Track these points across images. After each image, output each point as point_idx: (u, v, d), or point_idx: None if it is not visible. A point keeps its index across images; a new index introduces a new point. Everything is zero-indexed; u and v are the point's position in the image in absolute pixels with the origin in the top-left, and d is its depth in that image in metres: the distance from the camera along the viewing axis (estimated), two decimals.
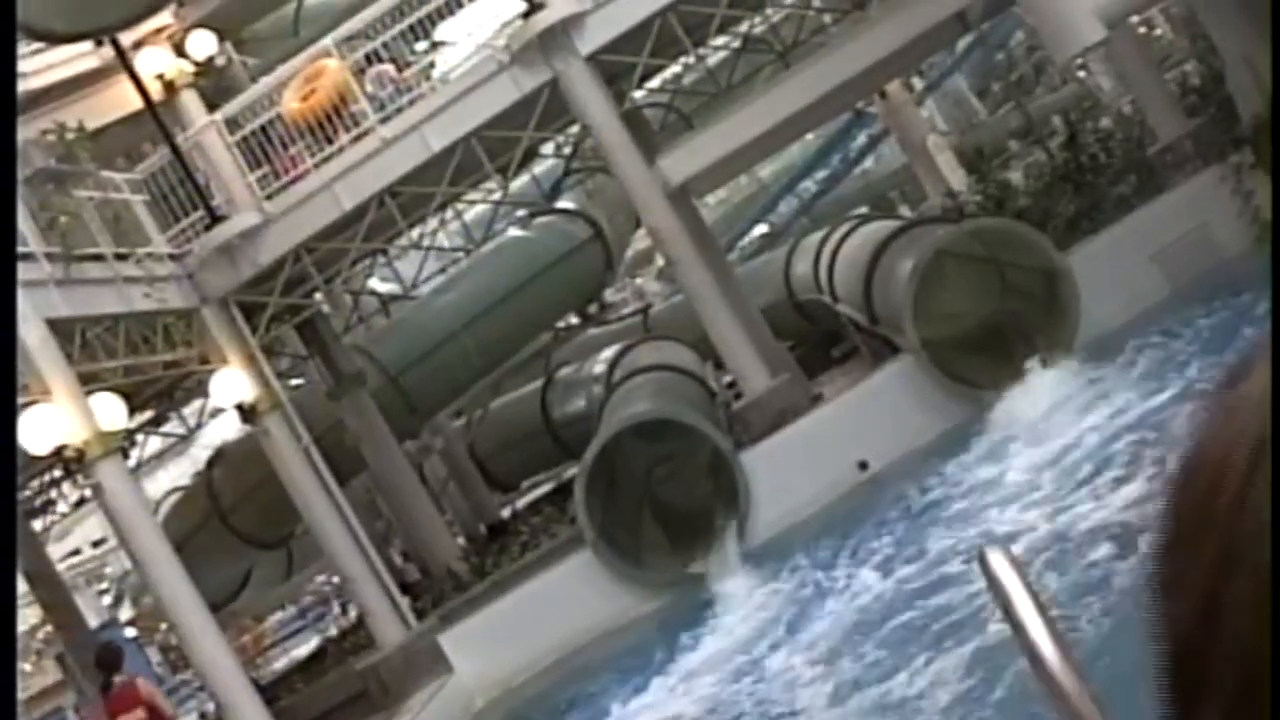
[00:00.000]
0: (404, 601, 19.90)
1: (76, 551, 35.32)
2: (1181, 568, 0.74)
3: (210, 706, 20.85)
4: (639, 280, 43.15)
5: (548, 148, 23.63)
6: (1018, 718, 9.28)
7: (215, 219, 19.56)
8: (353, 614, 27.38)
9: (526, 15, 18.79)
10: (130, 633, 25.70)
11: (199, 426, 24.54)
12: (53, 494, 22.98)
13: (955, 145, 32.23)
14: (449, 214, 23.96)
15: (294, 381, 25.47)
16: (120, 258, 17.89)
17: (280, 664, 32.08)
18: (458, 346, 24.95)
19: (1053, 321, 17.88)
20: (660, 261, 36.59)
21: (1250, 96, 16.55)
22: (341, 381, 22.65)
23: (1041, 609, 3.96)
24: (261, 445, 19.86)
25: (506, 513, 28.21)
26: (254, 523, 24.09)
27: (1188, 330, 16.01)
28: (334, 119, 19.90)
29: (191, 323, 19.35)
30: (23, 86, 19.90)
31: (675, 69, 25.76)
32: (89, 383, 16.17)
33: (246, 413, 19.46)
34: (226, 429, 25.24)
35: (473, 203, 24.36)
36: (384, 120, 19.65)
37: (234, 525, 24.11)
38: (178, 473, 30.43)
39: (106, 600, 34.09)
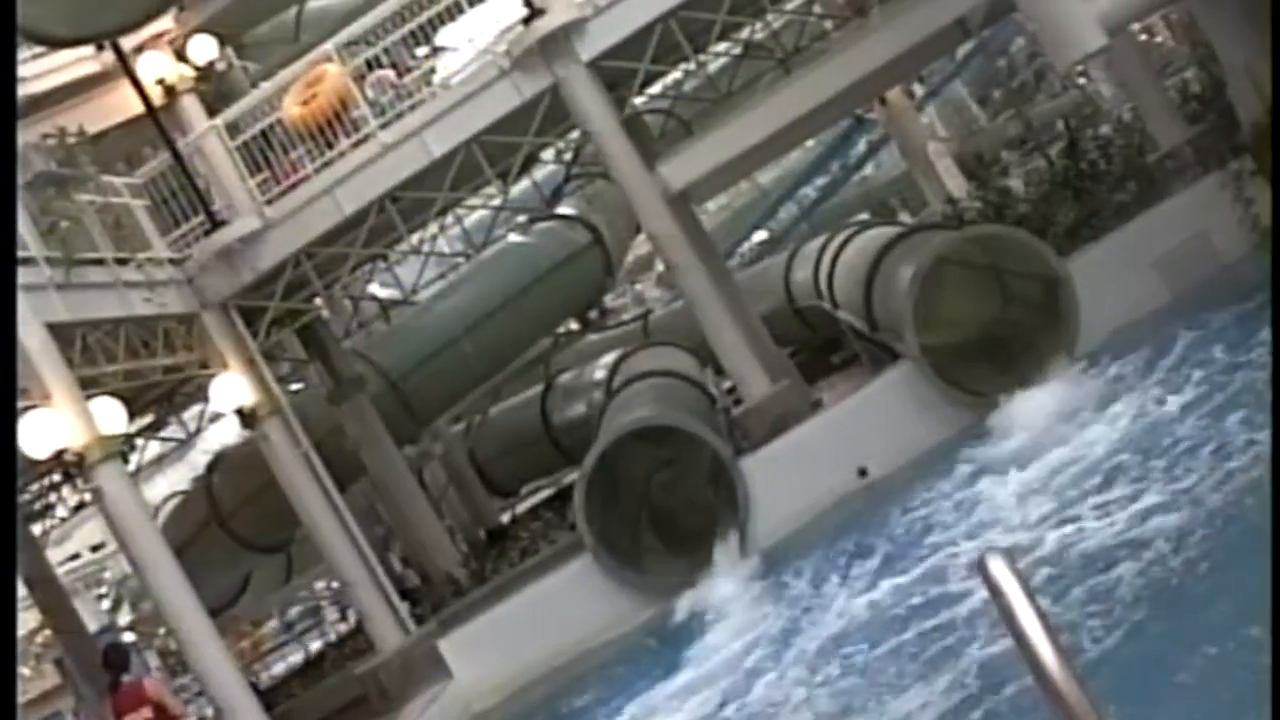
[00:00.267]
0: (403, 607, 19.91)
1: (76, 556, 35.25)
2: None
3: (209, 711, 20.82)
4: (639, 286, 43.20)
5: (548, 153, 23.66)
6: None
7: (215, 224, 19.58)
8: (352, 619, 27.41)
9: (527, 21, 18.79)
10: (129, 637, 25.74)
11: (199, 431, 24.56)
12: (52, 498, 22.99)
13: (956, 152, 32.27)
14: (449, 219, 23.98)
15: (294, 386, 25.49)
16: (121, 262, 17.90)
17: (279, 668, 32.04)
18: (458, 352, 24.96)
19: (1053, 329, 17.87)
20: (660, 267, 36.69)
21: (1251, 104, 16.55)
22: (341, 386, 22.67)
23: (1042, 615, 3.97)
24: (261, 450, 19.87)
25: (506, 518, 28.25)
26: (253, 527, 24.10)
27: (1189, 338, 15.99)
28: (335, 124, 19.91)
29: (192, 327, 19.36)
30: (24, 91, 19.91)
31: (676, 75, 25.78)
32: (89, 387, 16.18)
33: (246, 417, 19.47)
34: (226, 434, 25.25)
35: (473, 208, 24.38)
36: (384, 125, 19.66)
37: (233, 530, 24.12)
38: (177, 477, 30.39)
39: (106, 604, 34.02)
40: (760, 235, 42.64)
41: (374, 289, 29.27)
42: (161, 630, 24.68)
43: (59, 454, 15.27)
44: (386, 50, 20.05)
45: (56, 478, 21.50)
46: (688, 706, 14.47)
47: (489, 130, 19.34)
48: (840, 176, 40.81)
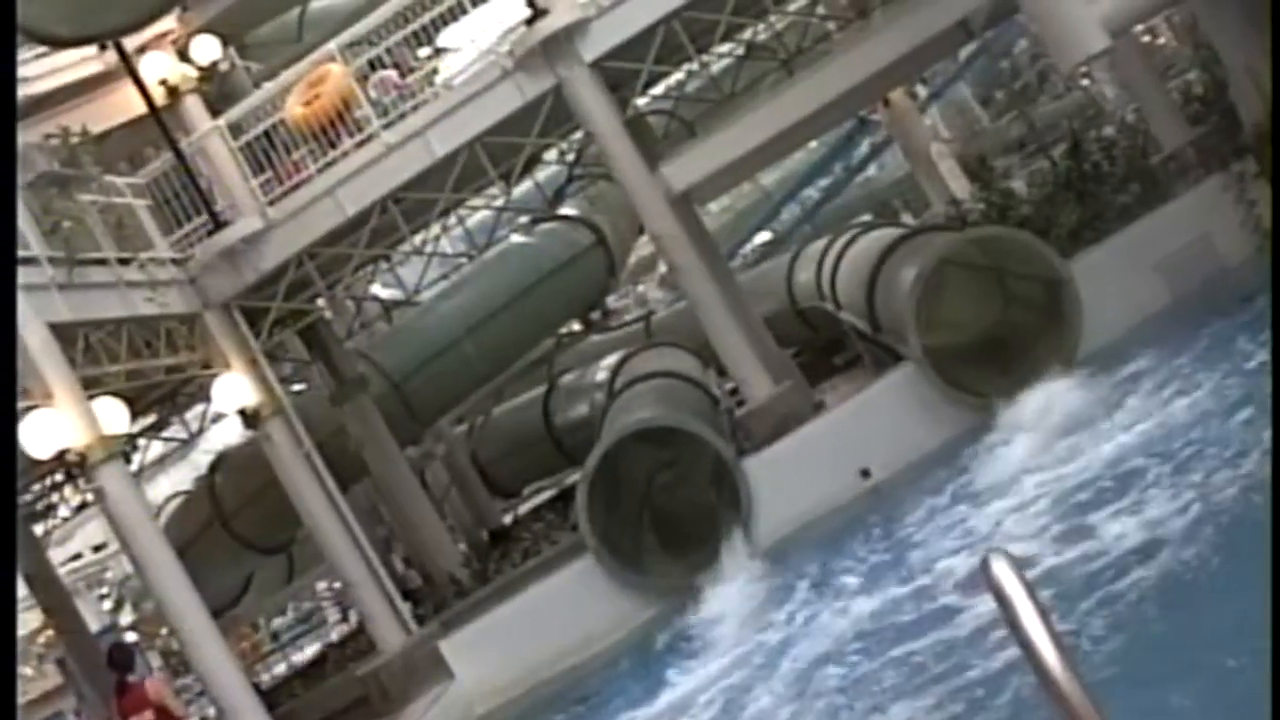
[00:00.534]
0: (405, 607, 19.90)
1: (78, 556, 35.26)
2: None
3: (211, 711, 20.83)
4: (641, 287, 43.18)
5: (551, 154, 23.65)
6: None
7: (218, 224, 19.58)
8: (354, 620, 27.41)
9: (530, 22, 18.80)
10: (131, 637, 25.72)
11: (201, 431, 24.56)
12: (54, 498, 22.97)
13: (958, 153, 32.25)
14: (452, 220, 23.98)
15: (296, 387, 25.49)
16: (123, 262, 17.90)
17: (281, 669, 32.05)
18: (460, 352, 24.95)
19: (1055, 330, 17.87)
20: (663, 268, 36.65)
21: (1253, 105, 16.55)
22: (344, 387, 22.67)
23: (1045, 616, 3.96)
24: (263, 450, 19.87)
25: (508, 519, 28.24)
26: (256, 528, 24.10)
27: (1191, 339, 15.98)
28: (337, 124, 19.91)
29: (194, 327, 19.36)
30: (27, 91, 19.94)
31: (679, 76, 25.78)
32: (91, 387, 16.18)
33: (249, 418, 19.47)
34: (228, 434, 25.26)
35: (476, 209, 24.39)
36: (387, 126, 19.66)
37: (236, 530, 24.13)
38: (179, 477, 30.42)
39: (107, 605, 34.04)
40: (763, 236, 42.65)
41: (376, 289, 29.28)
42: (163, 630, 24.69)
43: (61, 454, 15.26)
44: (389, 51, 20.04)
45: (59, 478, 21.48)
46: (688, 708, 14.49)
47: (492, 131, 19.34)
48: (843, 178, 40.81)
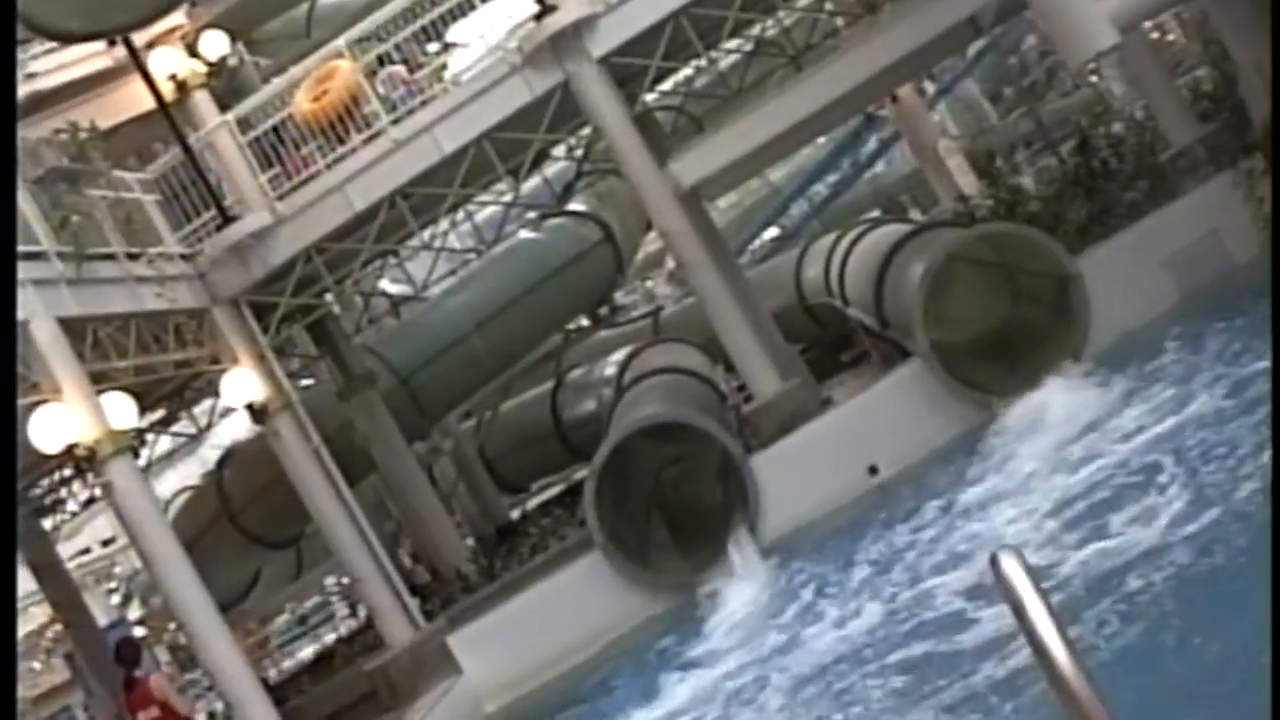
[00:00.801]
0: (413, 603, 19.92)
1: (86, 550, 35.39)
2: None
3: (219, 706, 20.89)
4: (649, 283, 43.18)
5: (559, 150, 23.64)
6: None
7: (227, 219, 19.59)
8: (362, 615, 27.45)
9: (539, 17, 18.80)
10: (139, 632, 25.80)
11: (209, 426, 24.58)
12: (63, 492, 23.03)
13: (967, 149, 32.22)
14: (460, 215, 23.99)
15: (304, 382, 25.51)
16: (132, 257, 17.92)
17: (289, 664, 32.10)
18: (468, 348, 24.96)
19: (1063, 327, 17.85)
20: (671, 264, 36.65)
21: (1262, 102, 16.50)
22: (352, 382, 22.69)
23: (1054, 613, 3.96)
24: (271, 445, 19.88)
25: (516, 514, 28.27)
26: (263, 523, 24.15)
27: (1200, 336, 15.95)
28: (346, 120, 19.93)
29: (202, 322, 19.38)
30: (35, 86, 20.02)
31: (687, 72, 25.79)
32: (100, 382, 16.19)
33: (257, 413, 19.50)
34: (237, 429, 25.32)
35: (484, 204, 24.41)
36: (396, 121, 19.67)
37: (243, 525, 24.18)
38: (188, 472, 30.51)
39: (116, 599, 34.13)
40: (771, 232, 42.62)
41: (385, 285, 29.30)
42: (171, 625, 24.75)
43: (70, 449, 15.27)
44: (398, 46, 20.07)
45: (67, 472, 21.54)
46: (694, 704, 14.49)
47: (500, 126, 19.35)
48: (851, 174, 40.76)
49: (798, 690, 13.11)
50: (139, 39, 19.97)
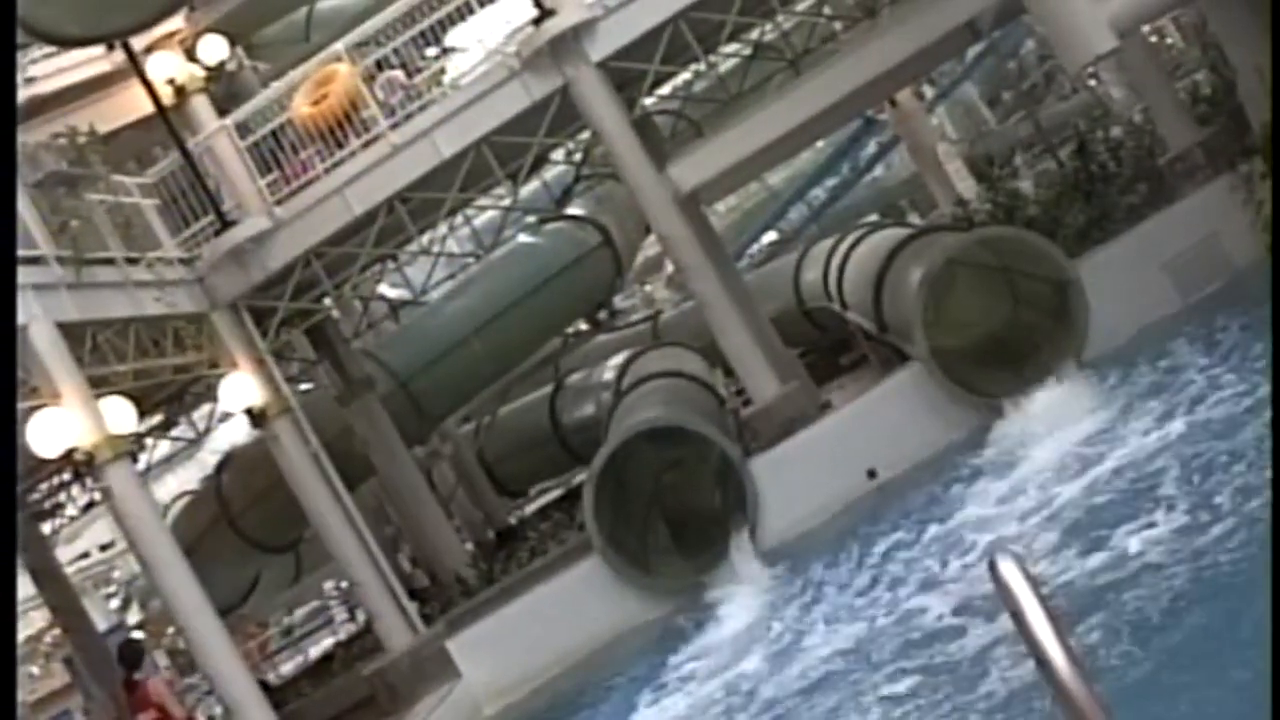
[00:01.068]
0: (412, 607, 19.91)
1: (85, 554, 35.36)
2: None
3: (218, 710, 20.87)
4: (648, 287, 43.20)
5: (558, 154, 23.64)
6: None
7: (226, 223, 19.59)
8: (361, 619, 27.44)
9: (537, 22, 18.80)
10: (138, 636, 25.75)
11: (208, 431, 24.58)
12: (62, 497, 23.02)
13: (965, 153, 32.23)
14: (459, 219, 23.98)
15: (303, 386, 25.51)
16: (131, 262, 17.93)
17: (288, 668, 32.09)
18: (467, 352, 24.98)
19: (1062, 331, 17.85)
20: (670, 268, 36.67)
21: (1262, 105, 16.51)
22: (351, 387, 22.69)
23: (1052, 616, 3.96)
24: (270, 450, 19.88)
25: (515, 519, 28.24)
26: (262, 527, 24.13)
27: (1197, 340, 15.94)
28: (345, 124, 19.93)
29: (201, 327, 19.37)
30: (35, 91, 20.01)
31: (686, 76, 25.79)
32: (99, 386, 16.19)
33: (256, 417, 19.50)
34: (236, 433, 25.29)
35: (483, 208, 24.38)
36: (394, 126, 19.67)
37: (242, 529, 24.16)
38: (187, 477, 30.50)
39: (115, 603, 34.11)
40: (770, 236, 42.65)
41: (383, 289, 29.29)
42: (170, 629, 24.72)
43: (69, 453, 15.28)
44: (396, 51, 20.07)
45: (66, 477, 21.52)
46: (693, 708, 14.48)
47: (499, 131, 19.35)
48: (850, 178, 40.79)
49: (794, 698, 13.08)
50: (138, 43, 19.97)
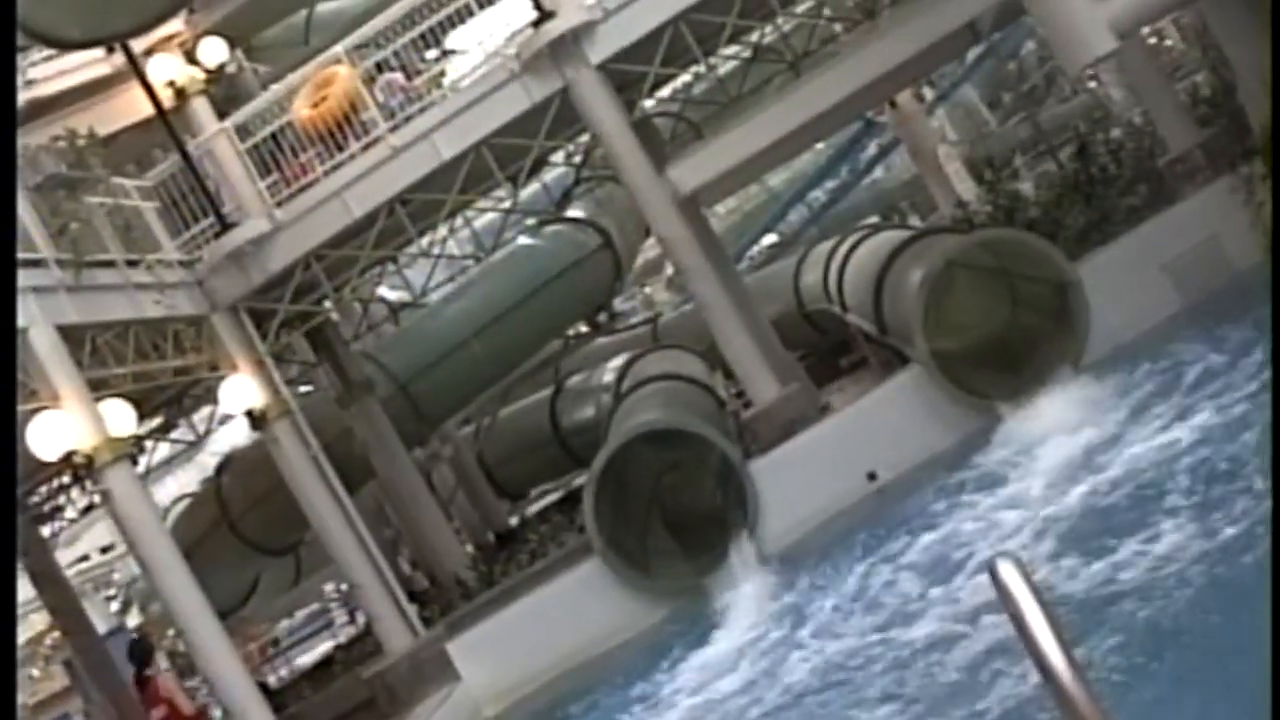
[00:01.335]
0: (412, 609, 19.90)
1: (85, 557, 35.34)
2: None
3: (218, 713, 20.85)
4: (648, 289, 43.21)
5: (558, 156, 23.65)
6: None
7: (225, 226, 19.59)
8: (360, 621, 27.42)
9: (537, 24, 18.79)
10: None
11: (208, 433, 24.57)
12: (62, 500, 22.99)
13: (966, 155, 32.24)
14: (459, 222, 23.96)
15: (303, 389, 25.50)
16: (131, 264, 17.92)
17: (288, 670, 32.07)
18: (467, 354, 24.96)
19: (1063, 333, 17.84)
20: (669, 270, 36.70)
21: (1262, 107, 16.50)
22: (351, 389, 22.68)
23: (1052, 620, 3.95)
24: (270, 452, 19.87)
25: (515, 521, 28.22)
26: (262, 530, 24.12)
27: (1197, 343, 15.93)
28: (344, 127, 19.92)
29: (201, 329, 19.37)
30: (35, 93, 20.02)
31: (685, 78, 25.78)
32: (99, 389, 16.19)
33: (256, 419, 19.49)
34: (235, 436, 25.27)
35: (483, 211, 24.37)
36: (394, 128, 19.67)
37: (242, 532, 24.14)
38: (186, 479, 30.48)
39: (115, 606, 34.11)
40: (770, 238, 42.63)
41: (383, 292, 29.28)
42: (170, 632, 24.71)
43: (68, 456, 15.28)
44: (396, 53, 20.06)
45: (66, 479, 21.50)
46: (692, 711, 14.46)
47: (498, 133, 19.34)
48: (850, 180, 40.77)
49: (792, 704, 13.06)
50: (138, 46, 19.99)
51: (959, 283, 18.81)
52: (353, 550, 19.67)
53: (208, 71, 21.78)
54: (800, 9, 23.36)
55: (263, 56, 24.48)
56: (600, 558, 18.29)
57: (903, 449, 17.85)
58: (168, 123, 19.71)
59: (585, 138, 21.69)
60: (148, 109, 19.84)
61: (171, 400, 21.91)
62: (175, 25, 21.14)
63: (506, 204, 22.80)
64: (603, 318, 31.22)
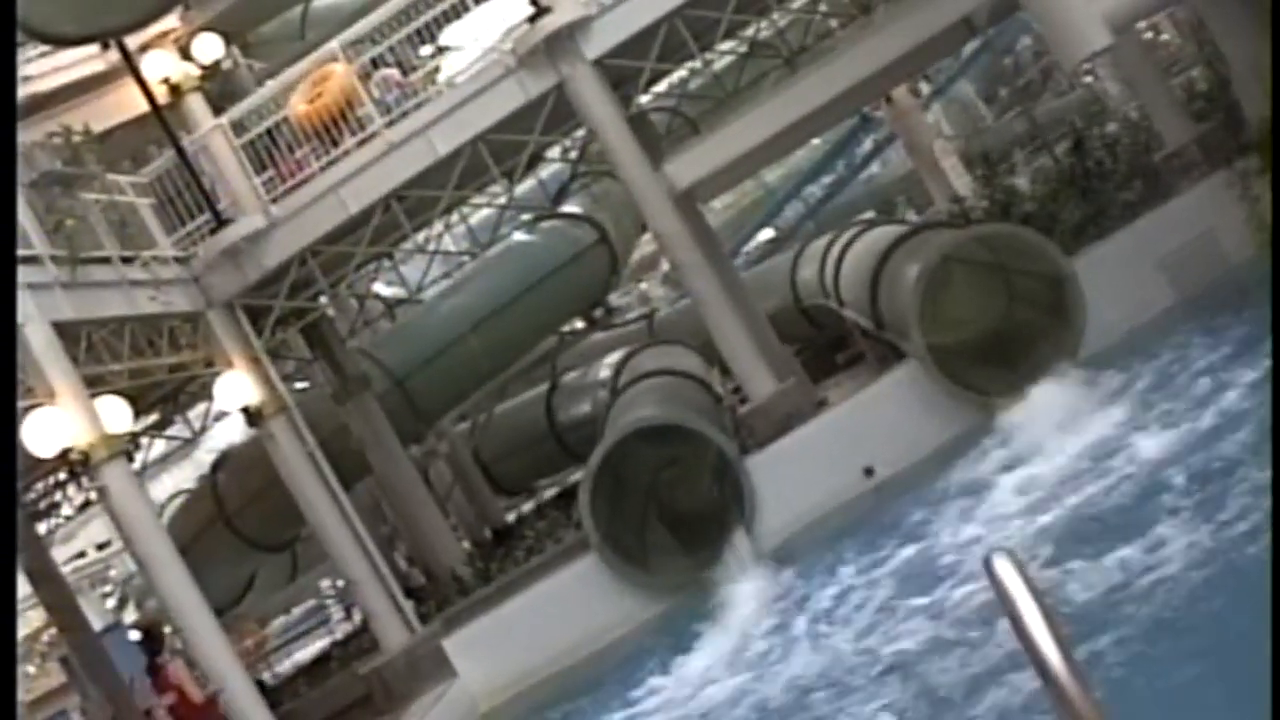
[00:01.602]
0: (408, 605, 19.89)
1: (82, 554, 35.27)
2: None
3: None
4: (644, 285, 43.16)
5: (554, 152, 23.62)
6: None
7: (221, 222, 19.57)
8: (357, 618, 27.39)
9: (533, 19, 18.78)
10: (134, 636, 25.68)
11: (204, 430, 24.55)
12: (58, 496, 22.95)
13: (961, 150, 32.22)
14: (454, 218, 23.96)
15: (299, 385, 25.47)
16: (126, 261, 17.90)
17: (284, 666, 32.04)
18: (463, 350, 24.93)
19: (1058, 327, 17.84)
20: (666, 266, 36.64)
21: (1257, 102, 16.50)
22: (347, 385, 22.66)
23: (1048, 615, 3.94)
24: (266, 449, 19.85)
25: (511, 517, 28.22)
26: (259, 526, 24.10)
27: (1193, 337, 15.93)
28: (340, 123, 19.90)
29: (197, 326, 19.35)
30: (30, 90, 19.96)
31: (681, 73, 25.76)
32: (94, 385, 16.18)
33: (252, 416, 19.47)
34: (231, 432, 25.23)
35: (478, 206, 24.37)
36: (390, 124, 19.65)
37: (239, 528, 24.12)
38: (183, 476, 30.42)
39: (111, 603, 34.05)
40: (766, 234, 42.62)
41: (379, 287, 29.26)
42: (167, 628, 24.67)
43: (64, 452, 15.27)
44: (392, 49, 20.04)
45: (62, 476, 21.46)
46: (690, 706, 14.46)
47: (494, 129, 19.33)
48: (846, 175, 40.79)
49: (789, 701, 13.06)
50: (133, 42, 19.95)
51: (955, 278, 18.81)
52: (349, 546, 19.66)
53: (203, 68, 21.75)
54: (796, 4, 23.36)
55: (258, 52, 24.45)
56: (597, 553, 18.29)
57: (899, 444, 17.86)
58: (163, 119, 19.69)
59: (581, 133, 21.69)
60: (143, 105, 19.83)
61: (167, 397, 21.88)
62: (170, 21, 21.12)
63: (502, 200, 22.78)
64: (599, 313, 31.18)
